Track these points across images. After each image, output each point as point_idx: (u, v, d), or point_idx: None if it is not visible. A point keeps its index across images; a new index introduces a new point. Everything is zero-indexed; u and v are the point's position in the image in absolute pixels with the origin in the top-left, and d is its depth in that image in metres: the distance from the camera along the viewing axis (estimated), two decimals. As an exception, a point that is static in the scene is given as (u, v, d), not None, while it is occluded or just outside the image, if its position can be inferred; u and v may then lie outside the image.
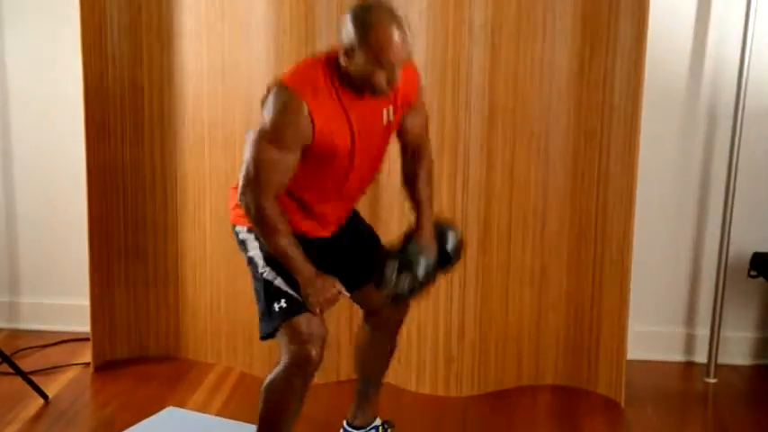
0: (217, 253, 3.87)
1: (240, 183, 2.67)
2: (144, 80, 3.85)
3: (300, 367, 2.71)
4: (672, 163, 3.95)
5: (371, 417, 3.25)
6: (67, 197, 4.14)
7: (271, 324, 2.74)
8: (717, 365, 3.92)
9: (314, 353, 2.69)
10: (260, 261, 2.79)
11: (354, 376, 3.32)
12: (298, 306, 2.72)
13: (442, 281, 3.58)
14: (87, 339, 3.94)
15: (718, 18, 3.80)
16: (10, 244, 4.32)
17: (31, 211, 4.30)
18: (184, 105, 3.84)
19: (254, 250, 2.80)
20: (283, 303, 2.72)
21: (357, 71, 2.57)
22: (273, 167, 2.62)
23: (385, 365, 3.20)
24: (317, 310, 2.72)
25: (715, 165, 3.91)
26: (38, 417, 3.51)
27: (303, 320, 2.71)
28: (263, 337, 2.80)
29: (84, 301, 3.91)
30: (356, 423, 3.24)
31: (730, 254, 3.84)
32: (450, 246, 2.99)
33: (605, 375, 3.72)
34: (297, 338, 2.70)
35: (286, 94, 2.59)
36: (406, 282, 2.83)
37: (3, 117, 4.22)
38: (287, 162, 2.62)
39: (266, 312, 2.75)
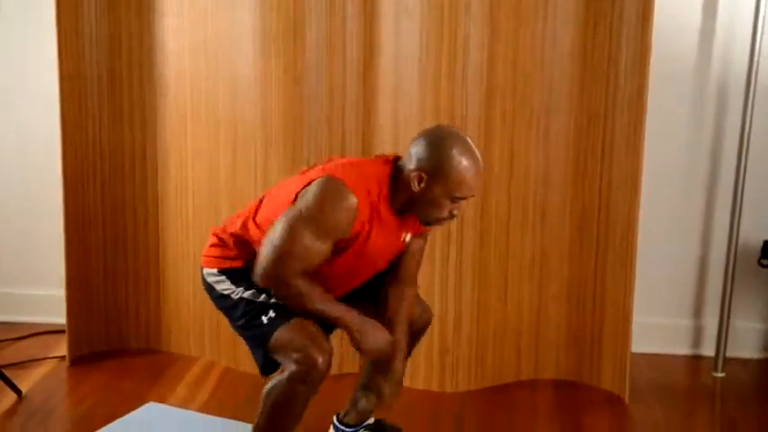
0: (200, 242, 3.80)
1: (265, 263, 2.64)
2: (123, 60, 3.83)
3: (305, 374, 2.65)
4: (679, 146, 3.94)
5: (366, 415, 3.20)
6: (42, 183, 4.12)
7: (263, 339, 2.71)
8: (725, 359, 3.93)
9: (320, 360, 2.64)
10: (231, 288, 2.80)
11: (355, 371, 3.29)
12: (288, 312, 2.70)
13: (437, 271, 3.61)
14: (63, 332, 3.92)
15: (728, -7, 3.80)
16: (-20, 232, 4.32)
17: (4, 197, 4.28)
18: (165, 85, 3.81)
19: (223, 285, 2.82)
20: (272, 314, 2.71)
21: (425, 198, 2.66)
22: (307, 254, 2.62)
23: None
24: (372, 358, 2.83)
25: (725, 147, 3.91)
26: (11, 413, 3.48)
27: (297, 324, 2.68)
28: (264, 370, 2.79)
29: (60, 292, 3.88)
30: (347, 420, 3.20)
31: (740, 241, 3.84)
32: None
33: (608, 370, 3.71)
34: (296, 345, 2.66)
35: (339, 185, 2.61)
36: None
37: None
38: (321, 251, 2.64)
39: (254, 331, 2.74)
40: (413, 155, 2.67)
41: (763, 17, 3.62)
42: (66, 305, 3.84)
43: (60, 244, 3.80)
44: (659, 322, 4.05)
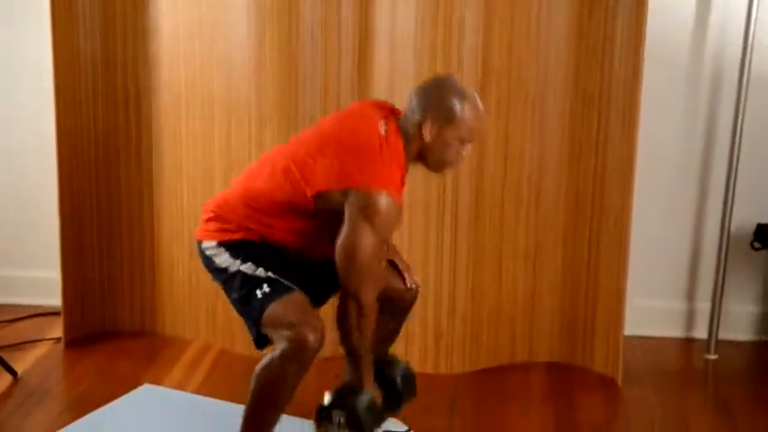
0: (194, 223, 3.81)
1: (359, 279, 2.71)
2: (117, 41, 3.81)
3: (296, 353, 2.66)
4: (673, 129, 3.95)
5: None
6: (37, 165, 4.11)
7: (256, 313, 2.72)
8: (718, 341, 3.94)
9: (311, 338, 2.64)
10: (230, 261, 2.80)
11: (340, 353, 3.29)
12: (282, 287, 2.71)
13: (432, 255, 3.63)
14: (58, 314, 3.93)
15: (722, -23, 3.79)
16: (-26, 214, 4.31)
17: (-1, 179, 4.28)
18: (159, 67, 3.80)
19: (222, 257, 2.82)
20: (266, 288, 2.72)
21: (438, 146, 2.75)
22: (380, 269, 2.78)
23: (389, 344, 3.18)
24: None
25: (719, 132, 3.91)
26: (6, 395, 3.49)
27: (290, 300, 2.70)
28: (258, 343, 2.80)
29: (55, 274, 3.88)
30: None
31: (733, 225, 3.85)
32: (399, 383, 3.02)
33: (602, 352, 3.72)
34: (287, 322, 2.67)
35: (385, 200, 2.65)
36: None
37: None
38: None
39: (251, 307, 2.74)
40: (416, 107, 2.75)
41: (758, 1, 3.61)
42: (61, 287, 3.84)
43: (55, 227, 3.80)
44: (653, 305, 4.06)
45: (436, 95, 2.74)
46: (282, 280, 2.73)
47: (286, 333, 2.66)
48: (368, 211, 2.64)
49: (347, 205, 2.66)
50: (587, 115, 3.59)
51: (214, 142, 3.72)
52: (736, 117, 3.73)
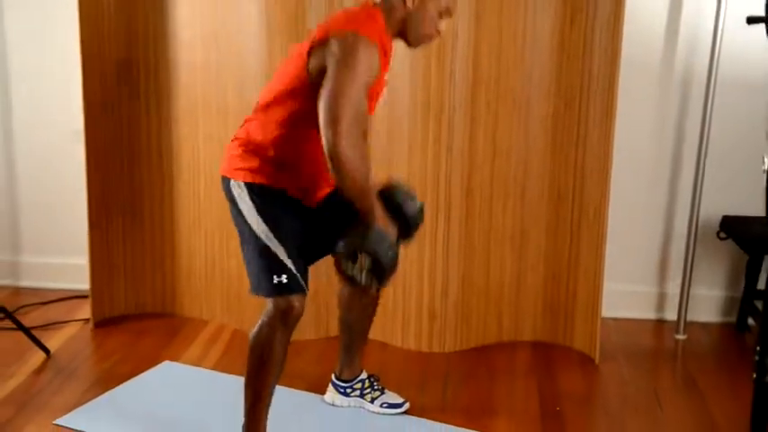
0: (210, 217, 3.86)
1: (336, 132, 2.49)
2: (139, 49, 3.82)
3: (283, 318, 2.71)
4: (647, 129, 3.94)
5: (358, 370, 3.26)
6: (67, 161, 4.12)
7: (265, 291, 2.72)
8: (686, 323, 3.95)
9: (297, 304, 2.70)
10: (254, 218, 2.72)
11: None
12: (296, 285, 2.70)
13: (427, 244, 3.63)
14: (86, 297, 3.94)
15: (692, -10, 3.80)
16: (12, 205, 4.30)
17: (32, 174, 4.28)
18: (177, 75, 3.80)
19: (246, 204, 2.73)
20: (284, 279, 2.69)
21: (418, 17, 2.69)
22: (361, 106, 2.56)
23: (368, 324, 3.20)
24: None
25: (688, 132, 3.91)
26: (40, 370, 3.51)
27: (297, 296, 2.71)
28: (255, 293, 2.78)
29: (84, 260, 3.90)
30: (343, 376, 3.25)
31: (701, 217, 3.85)
32: (410, 212, 2.86)
33: (581, 332, 3.73)
34: (284, 299, 2.71)
35: (363, 40, 2.54)
36: (368, 271, 2.62)
37: (3, 85, 4.18)
38: (365, 102, 2.60)
39: (263, 279, 2.71)
40: None
41: (725, 12, 3.61)
42: (89, 273, 3.85)
43: (84, 218, 3.81)
44: (627, 289, 4.06)
45: None
46: (298, 275, 2.69)
47: (278, 301, 2.70)
48: (347, 55, 2.52)
49: (328, 57, 2.55)
50: (568, 116, 3.60)
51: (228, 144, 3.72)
52: (704, 117, 3.73)
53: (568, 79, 3.57)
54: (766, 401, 2.13)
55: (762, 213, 2.07)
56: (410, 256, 3.63)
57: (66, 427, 3.09)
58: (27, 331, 3.63)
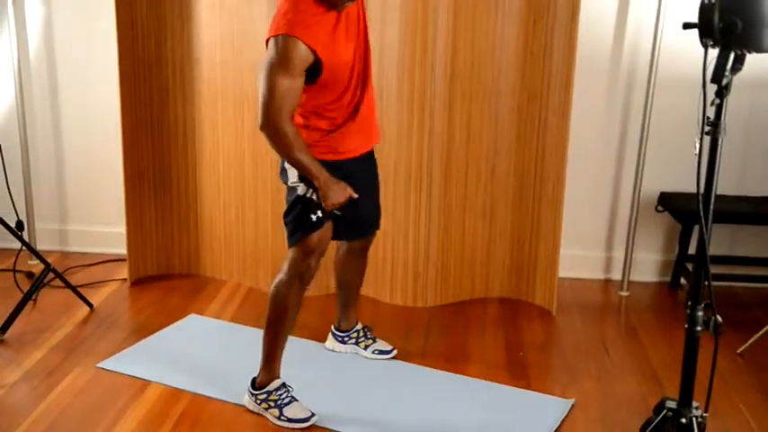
0: (228, 191, 3.84)
1: (260, 114, 2.45)
2: (167, 49, 3.76)
3: (300, 277, 2.71)
4: (597, 119, 3.92)
5: (354, 322, 3.26)
6: (107, 144, 4.07)
7: (299, 234, 2.67)
8: (629, 282, 3.95)
9: (312, 263, 2.70)
10: (299, 182, 2.66)
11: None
12: (326, 219, 2.68)
13: (411, 214, 3.62)
14: (124, 260, 3.93)
15: (637, 1, 3.75)
16: (60, 182, 4.27)
17: (77, 156, 4.23)
18: (201, 71, 3.76)
19: (294, 176, 2.66)
20: (320, 214, 2.65)
21: None
22: (288, 94, 2.44)
23: (360, 283, 3.20)
24: (331, 209, 2.65)
25: (632, 121, 3.89)
26: (85, 321, 3.51)
27: (319, 234, 2.68)
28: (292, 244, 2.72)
29: (121, 229, 3.88)
30: (341, 327, 3.25)
31: (642, 192, 3.84)
32: None
33: (541, 290, 3.74)
34: (306, 252, 2.68)
35: (284, 38, 2.42)
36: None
37: (50, 78, 4.13)
38: (296, 87, 2.46)
39: (301, 221, 2.66)
40: None
41: (663, 19, 3.59)
42: (126, 239, 3.84)
43: (121, 192, 3.80)
44: (580, 254, 4.05)
45: None
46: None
47: (298, 259, 2.69)
48: (270, 57, 2.43)
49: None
50: (531, 108, 3.57)
51: (244, 131, 3.69)
52: (645, 108, 3.71)
53: (532, 76, 3.54)
54: (695, 349, 2.13)
55: (693, 190, 2.07)
56: (397, 224, 3.62)
57: (107, 370, 3.10)
58: (74, 289, 3.63)
